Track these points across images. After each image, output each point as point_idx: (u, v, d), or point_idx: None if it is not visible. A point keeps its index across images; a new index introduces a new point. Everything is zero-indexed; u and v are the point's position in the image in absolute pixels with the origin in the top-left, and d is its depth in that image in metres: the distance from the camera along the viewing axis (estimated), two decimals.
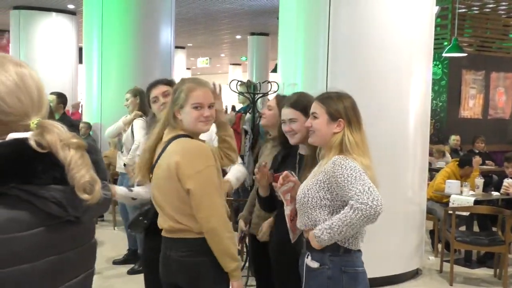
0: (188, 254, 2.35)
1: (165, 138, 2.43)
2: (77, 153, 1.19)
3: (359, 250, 2.35)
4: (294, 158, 2.79)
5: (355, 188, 2.15)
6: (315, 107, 2.42)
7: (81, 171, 1.17)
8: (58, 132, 1.18)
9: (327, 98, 2.43)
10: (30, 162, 1.14)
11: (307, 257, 2.35)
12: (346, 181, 2.18)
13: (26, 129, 1.19)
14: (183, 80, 2.49)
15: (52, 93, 6.25)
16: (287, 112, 2.74)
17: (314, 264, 2.32)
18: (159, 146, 2.45)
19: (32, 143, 1.15)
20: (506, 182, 6.13)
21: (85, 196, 1.17)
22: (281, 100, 3.11)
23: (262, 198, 2.81)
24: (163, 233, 2.45)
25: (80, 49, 11.28)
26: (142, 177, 2.52)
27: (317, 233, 2.23)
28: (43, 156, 1.15)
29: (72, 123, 6.85)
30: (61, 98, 6.55)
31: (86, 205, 1.19)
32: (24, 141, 1.15)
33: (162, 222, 2.45)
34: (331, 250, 2.28)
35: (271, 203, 2.82)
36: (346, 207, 2.18)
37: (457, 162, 6.71)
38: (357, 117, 2.37)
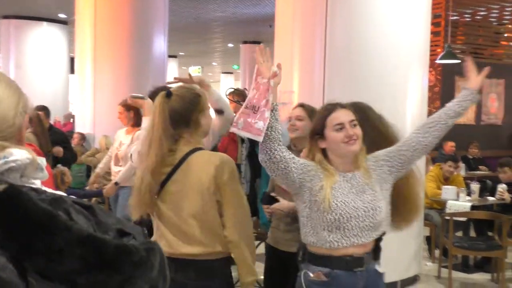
0: (197, 276, 2.28)
1: (180, 152, 2.33)
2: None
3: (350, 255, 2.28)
4: None
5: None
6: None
7: None
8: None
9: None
10: None
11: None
12: None
13: None
14: (196, 91, 2.45)
15: (37, 109, 6.13)
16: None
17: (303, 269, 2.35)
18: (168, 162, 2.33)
19: None
20: (500, 187, 6.16)
21: None
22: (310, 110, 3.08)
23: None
24: (168, 255, 2.36)
25: (72, 59, 11.26)
26: (145, 204, 2.33)
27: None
28: None
29: (62, 134, 6.74)
30: (47, 111, 6.57)
31: None
32: None
33: (164, 246, 2.26)
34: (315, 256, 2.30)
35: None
36: None
37: (440, 165, 6.76)
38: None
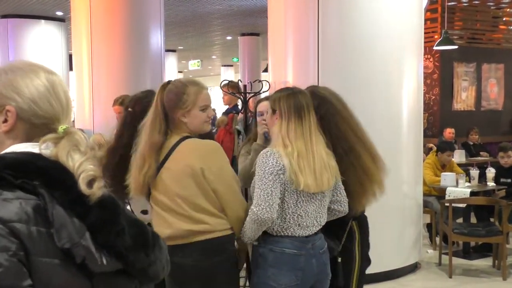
0: (203, 257, 2.38)
1: (170, 141, 2.43)
2: (84, 157, 1.17)
3: (294, 236, 2.44)
4: None
5: (257, 189, 2.36)
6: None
7: (87, 167, 1.15)
8: (78, 139, 1.21)
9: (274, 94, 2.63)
10: None
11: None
12: (256, 178, 2.41)
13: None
14: (184, 84, 2.48)
15: None
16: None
17: (255, 242, 2.51)
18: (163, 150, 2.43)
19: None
20: (489, 172, 6.18)
21: (83, 188, 1.11)
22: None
23: None
24: (169, 242, 2.41)
25: (71, 56, 11.26)
26: (140, 188, 2.46)
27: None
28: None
29: None
30: None
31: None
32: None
33: (166, 228, 2.39)
34: (265, 231, 2.45)
35: None
36: None
37: (436, 153, 6.73)
38: (289, 108, 2.43)
